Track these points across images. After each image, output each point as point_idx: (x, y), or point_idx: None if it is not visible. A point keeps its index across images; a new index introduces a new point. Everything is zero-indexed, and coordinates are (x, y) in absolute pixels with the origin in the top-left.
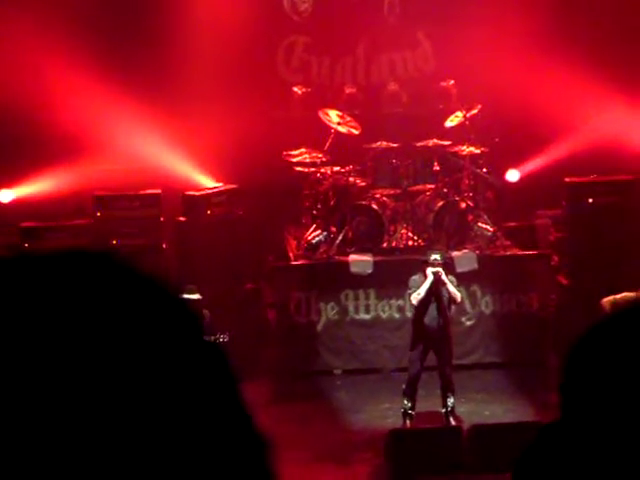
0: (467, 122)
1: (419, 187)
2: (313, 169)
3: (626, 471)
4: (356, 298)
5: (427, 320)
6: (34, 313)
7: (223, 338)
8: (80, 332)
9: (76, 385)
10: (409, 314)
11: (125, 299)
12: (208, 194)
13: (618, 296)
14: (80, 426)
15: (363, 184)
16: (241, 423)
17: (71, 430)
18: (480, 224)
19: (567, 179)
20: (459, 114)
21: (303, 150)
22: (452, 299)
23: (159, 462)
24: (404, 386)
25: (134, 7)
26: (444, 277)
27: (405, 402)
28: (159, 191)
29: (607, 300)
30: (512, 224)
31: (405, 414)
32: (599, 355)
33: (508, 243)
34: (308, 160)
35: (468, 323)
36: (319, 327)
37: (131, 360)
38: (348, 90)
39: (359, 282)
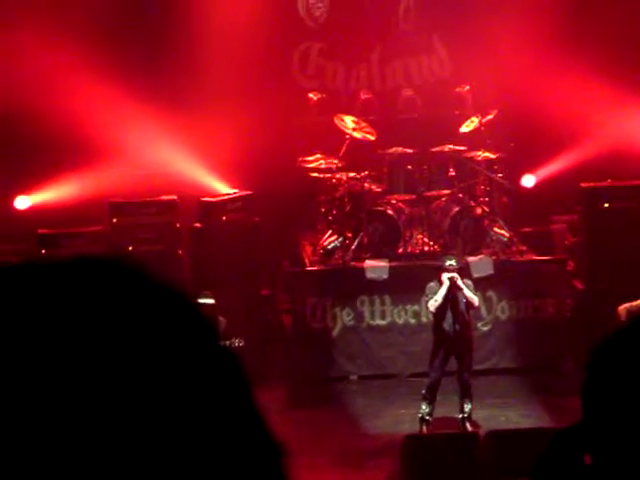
0: (482, 127)
1: (434, 193)
2: (328, 175)
3: None
4: (372, 304)
5: (446, 326)
6: (43, 320)
7: (238, 343)
8: (90, 339)
9: (84, 393)
10: (425, 320)
11: (137, 304)
12: (224, 200)
13: (634, 303)
14: (92, 433)
15: (379, 190)
16: (255, 429)
17: (83, 438)
18: (496, 229)
19: (583, 184)
20: (474, 119)
21: (318, 156)
22: (470, 304)
23: (171, 468)
24: (424, 391)
25: (151, 15)
26: (460, 282)
27: (424, 407)
28: (175, 197)
29: (623, 307)
30: (528, 229)
31: (422, 420)
32: (621, 362)
33: (524, 248)
34: (323, 166)
35: (484, 329)
36: (335, 333)
37: (143, 366)
38: (363, 96)
39: (375, 288)
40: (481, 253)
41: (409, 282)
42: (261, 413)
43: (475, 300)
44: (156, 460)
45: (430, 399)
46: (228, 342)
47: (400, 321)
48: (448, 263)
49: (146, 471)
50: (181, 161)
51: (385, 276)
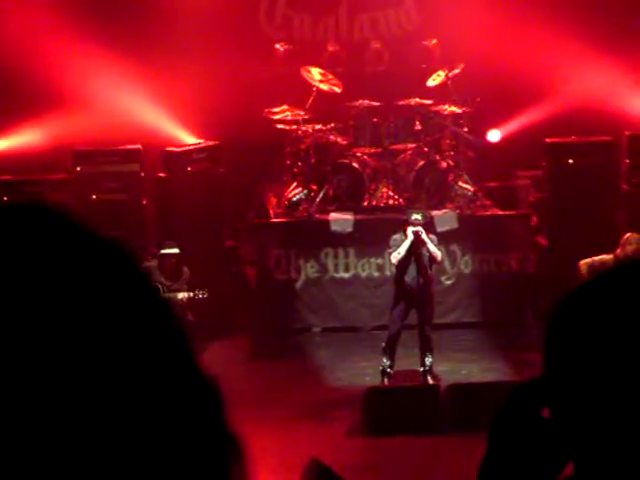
0: (449, 82)
1: (400, 146)
2: (294, 127)
3: (605, 425)
4: (336, 256)
5: (408, 279)
6: None
7: (202, 294)
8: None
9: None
10: (388, 273)
11: (55, 250)
12: (189, 150)
13: (596, 258)
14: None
15: (344, 142)
16: (187, 373)
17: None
18: (461, 184)
19: (548, 140)
20: (441, 73)
21: (285, 107)
22: (433, 258)
23: (91, 414)
24: (383, 344)
25: None
26: (424, 236)
27: (384, 360)
28: (139, 146)
29: (584, 262)
30: (492, 184)
31: (383, 372)
32: (581, 318)
33: (488, 203)
34: (290, 117)
35: (447, 282)
36: (298, 285)
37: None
38: (331, 48)
39: (339, 240)
40: (445, 207)
41: (373, 235)
42: (195, 358)
43: (438, 255)
44: (77, 402)
45: (390, 352)
46: (192, 293)
47: (364, 274)
48: (414, 217)
49: (63, 411)
50: (146, 110)
51: (350, 229)
